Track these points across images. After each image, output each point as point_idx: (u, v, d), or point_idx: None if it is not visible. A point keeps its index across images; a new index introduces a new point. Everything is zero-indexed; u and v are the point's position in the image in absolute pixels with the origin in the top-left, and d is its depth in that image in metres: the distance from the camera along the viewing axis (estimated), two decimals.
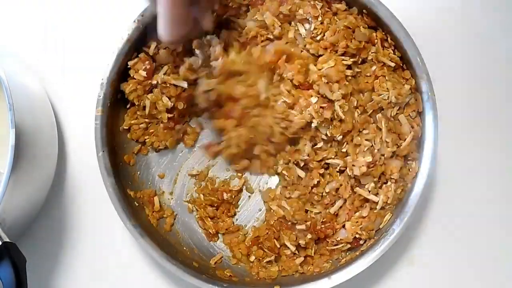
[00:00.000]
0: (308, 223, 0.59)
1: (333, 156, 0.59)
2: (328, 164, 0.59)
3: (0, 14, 0.65)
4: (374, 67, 0.58)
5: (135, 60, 0.59)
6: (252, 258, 0.61)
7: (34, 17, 0.65)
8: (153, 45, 0.59)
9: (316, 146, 0.59)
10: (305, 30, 0.60)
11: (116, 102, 0.60)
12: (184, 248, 0.61)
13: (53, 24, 0.65)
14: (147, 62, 0.59)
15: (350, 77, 0.58)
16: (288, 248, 0.59)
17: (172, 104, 0.60)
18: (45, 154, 0.58)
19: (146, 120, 0.61)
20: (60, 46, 0.65)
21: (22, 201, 0.55)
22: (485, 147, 0.63)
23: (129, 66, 0.59)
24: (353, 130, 0.58)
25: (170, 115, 0.61)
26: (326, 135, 0.58)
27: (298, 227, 0.59)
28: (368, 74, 0.58)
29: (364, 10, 0.58)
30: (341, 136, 0.58)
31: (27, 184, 0.54)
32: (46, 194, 0.61)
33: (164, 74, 0.60)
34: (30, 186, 0.55)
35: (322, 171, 0.59)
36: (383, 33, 0.58)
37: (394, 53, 0.58)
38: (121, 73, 0.59)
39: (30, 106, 0.57)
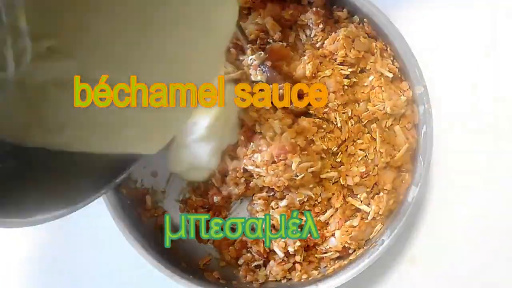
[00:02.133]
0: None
1: (328, 170, 0.59)
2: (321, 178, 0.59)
3: None
4: (371, 77, 0.58)
5: None
6: (241, 261, 0.61)
7: None
8: None
9: (312, 169, 0.57)
10: (306, 36, 0.60)
11: None
12: (173, 248, 0.61)
13: None
14: None
15: (346, 87, 0.58)
16: (277, 254, 0.59)
17: None
18: None
19: None
20: None
21: None
22: (480, 159, 0.63)
23: None
24: (347, 140, 0.58)
25: None
26: (322, 149, 0.58)
27: None
28: (365, 84, 0.58)
29: (365, 19, 0.58)
30: (336, 147, 0.58)
31: None
32: None
33: None
34: None
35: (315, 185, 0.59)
36: (383, 43, 0.58)
37: (393, 64, 0.58)
38: None
39: None
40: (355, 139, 0.58)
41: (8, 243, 0.63)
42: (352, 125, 0.58)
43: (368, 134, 0.58)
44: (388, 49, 0.58)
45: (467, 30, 0.65)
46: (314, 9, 0.59)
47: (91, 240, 0.63)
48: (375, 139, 0.58)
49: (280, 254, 0.59)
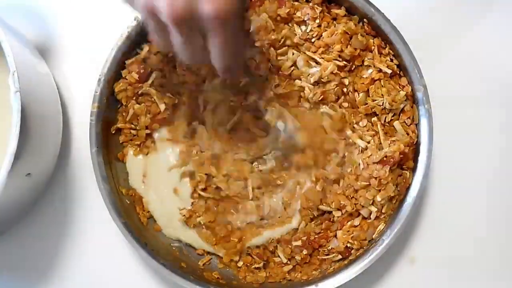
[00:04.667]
0: (305, 238, 0.58)
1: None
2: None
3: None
4: (370, 70, 0.58)
5: (132, 60, 0.59)
6: (240, 263, 0.60)
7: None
8: (145, 49, 0.59)
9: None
10: (301, 31, 0.59)
11: (113, 99, 0.60)
12: (173, 248, 0.61)
13: (58, 15, 0.65)
14: (141, 66, 0.59)
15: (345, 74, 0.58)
16: (278, 256, 0.59)
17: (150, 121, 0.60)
18: (48, 139, 0.58)
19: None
20: (63, 40, 0.65)
21: (21, 189, 0.55)
22: (481, 159, 0.63)
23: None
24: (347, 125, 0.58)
25: (148, 131, 0.60)
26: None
27: (294, 243, 0.59)
28: (365, 76, 0.58)
29: (364, 19, 0.58)
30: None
31: (25, 176, 0.54)
32: (45, 184, 0.61)
33: (151, 83, 0.59)
34: (29, 178, 0.55)
35: None
36: (383, 42, 0.58)
37: (392, 61, 0.58)
38: (119, 71, 0.59)
39: (37, 88, 0.56)
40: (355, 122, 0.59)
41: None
42: (351, 113, 0.58)
43: (369, 123, 0.59)
44: (386, 48, 0.58)
45: (467, 30, 0.65)
46: (310, 4, 0.58)
47: (91, 240, 0.63)
48: (377, 132, 0.58)
49: (284, 260, 0.59)
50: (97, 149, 0.57)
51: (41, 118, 0.54)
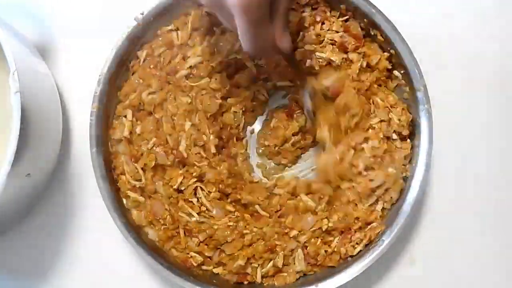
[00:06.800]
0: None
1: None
2: None
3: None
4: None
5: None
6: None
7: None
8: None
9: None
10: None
11: (112, 99, 0.60)
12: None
13: (58, 15, 0.66)
14: None
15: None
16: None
17: None
18: (48, 140, 0.58)
19: None
20: (63, 40, 0.65)
21: (20, 190, 0.55)
22: (480, 159, 0.63)
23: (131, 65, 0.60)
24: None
25: None
26: None
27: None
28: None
29: (365, 19, 0.58)
30: None
31: (25, 176, 0.54)
32: (45, 184, 0.61)
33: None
34: (28, 179, 0.55)
35: None
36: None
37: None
38: (119, 71, 0.59)
39: (37, 88, 0.56)
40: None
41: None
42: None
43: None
44: (389, 49, 0.58)
45: (468, 30, 0.65)
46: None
47: (91, 240, 0.63)
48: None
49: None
50: (97, 149, 0.57)
51: (41, 118, 0.55)
